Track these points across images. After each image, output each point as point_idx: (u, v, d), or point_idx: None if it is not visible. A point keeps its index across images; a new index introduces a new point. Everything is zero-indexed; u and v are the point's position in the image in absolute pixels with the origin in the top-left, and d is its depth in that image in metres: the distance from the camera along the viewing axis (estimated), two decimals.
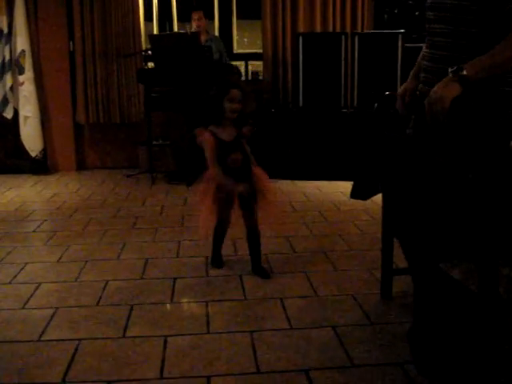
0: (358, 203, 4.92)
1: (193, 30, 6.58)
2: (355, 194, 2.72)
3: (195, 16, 6.61)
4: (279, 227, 4.10)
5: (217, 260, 3.67)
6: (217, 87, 3.35)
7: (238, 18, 7.51)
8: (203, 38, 6.57)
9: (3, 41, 6.72)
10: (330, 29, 6.82)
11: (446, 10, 2.16)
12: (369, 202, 3.19)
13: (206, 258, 3.77)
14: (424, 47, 2.38)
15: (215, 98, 3.31)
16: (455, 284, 2.18)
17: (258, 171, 3.42)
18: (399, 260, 3.18)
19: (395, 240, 2.91)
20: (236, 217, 3.46)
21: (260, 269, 3.50)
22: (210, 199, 3.32)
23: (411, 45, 6.07)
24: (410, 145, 2.28)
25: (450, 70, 2.03)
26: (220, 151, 3.32)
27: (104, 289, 3.27)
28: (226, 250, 3.91)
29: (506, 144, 2.13)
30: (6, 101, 6.79)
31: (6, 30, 6.71)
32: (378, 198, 3.03)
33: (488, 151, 2.13)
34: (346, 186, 5.63)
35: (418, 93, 2.38)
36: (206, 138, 3.33)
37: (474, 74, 2.01)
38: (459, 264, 2.20)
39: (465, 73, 2.00)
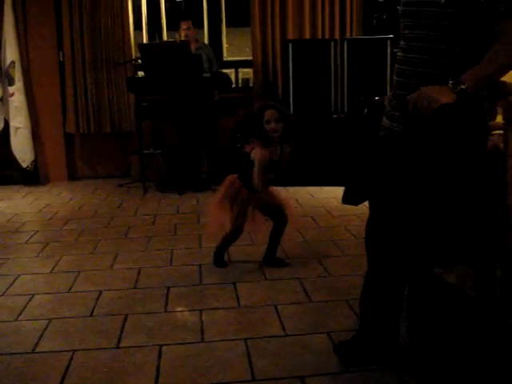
0: (350, 208, 4.91)
1: (182, 38, 6.59)
2: (346, 199, 2.73)
3: (184, 25, 6.62)
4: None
5: (220, 259, 3.78)
6: (255, 113, 3.48)
7: (227, 25, 7.52)
8: (193, 46, 6.57)
9: None
10: (319, 35, 6.84)
11: (424, 17, 2.14)
12: (361, 207, 3.19)
13: (200, 266, 3.77)
14: (399, 51, 2.35)
15: (256, 123, 3.43)
16: (450, 288, 2.18)
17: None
18: None
19: None
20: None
21: (276, 259, 3.77)
22: (228, 203, 3.54)
23: None
24: (398, 144, 2.28)
25: (450, 81, 2.02)
26: (265, 169, 3.49)
27: (97, 299, 3.26)
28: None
29: (481, 146, 2.15)
30: None
31: None
32: None
33: (464, 153, 2.14)
34: (338, 191, 5.61)
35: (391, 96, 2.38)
36: (264, 155, 3.45)
37: (473, 85, 2.02)
38: (454, 268, 2.21)
39: (463, 87, 2.00)
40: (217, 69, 6.73)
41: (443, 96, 2.01)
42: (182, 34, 6.60)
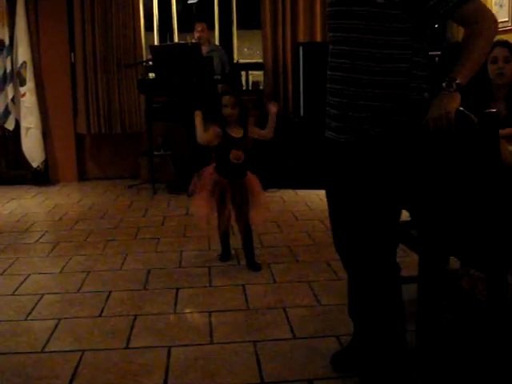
0: None
1: (193, 40, 6.60)
2: None
3: (198, 27, 6.63)
4: (281, 235, 4.13)
5: (224, 254, 3.91)
6: (213, 98, 3.76)
7: (238, 28, 7.53)
8: (205, 48, 6.59)
9: (5, 52, 6.75)
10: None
11: (357, 18, 2.01)
12: None
13: (209, 268, 3.77)
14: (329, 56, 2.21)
15: (214, 107, 3.67)
16: (463, 293, 2.17)
17: (250, 174, 3.78)
18: (403, 269, 3.18)
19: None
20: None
21: (253, 263, 3.77)
22: (206, 191, 3.64)
23: None
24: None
25: (444, 84, 1.97)
26: (226, 145, 3.65)
27: (107, 299, 3.27)
28: (229, 259, 3.93)
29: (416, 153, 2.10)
30: (7, 112, 6.81)
31: (7, 42, 6.74)
32: None
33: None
34: None
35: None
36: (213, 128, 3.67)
37: (464, 77, 1.98)
38: (466, 273, 2.20)
39: (458, 81, 1.96)
40: (229, 71, 6.73)
41: (453, 102, 1.96)
42: (197, 35, 6.62)
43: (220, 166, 3.70)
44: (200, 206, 3.73)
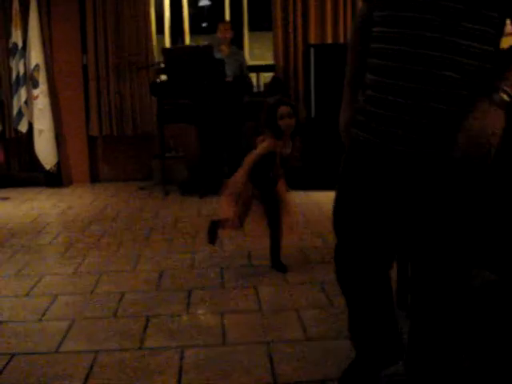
0: None
1: (219, 38, 6.64)
2: None
3: (222, 27, 6.66)
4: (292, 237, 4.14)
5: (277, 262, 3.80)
6: (268, 109, 3.52)
7: (249, 29, 7.55)
8: (226, 49, 6.62)
9: (18, 55, 6.81)
10: (341, 40, 6.84)
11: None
12: None
13: (221, 269, 3.79)
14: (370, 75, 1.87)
15: (269, 119, 3.47)
16: (476, 294, 2.16)
17: (282, 183, 3.69)
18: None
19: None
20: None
21: (279, 264, 3.76)
22: (234, 194, 3.53)
23: None
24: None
25: (497, 95, 1.65)
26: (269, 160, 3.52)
27: (120, 301, 3.28)
28: (241, 260, 3.94)
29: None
30: (20, 114, 6.87)
31: (20, 45, 6.80)
32: None
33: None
34: None
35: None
36: (272, 143, 3.49)
37: None
38: (479, 274, 2.19)
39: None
40: (246, 74, 6.75)
41: (499, 121, 1.65)
42: (220, 34, 6.65)
43: (258, 181, 3.57)
44: (226, 207, 3.62)
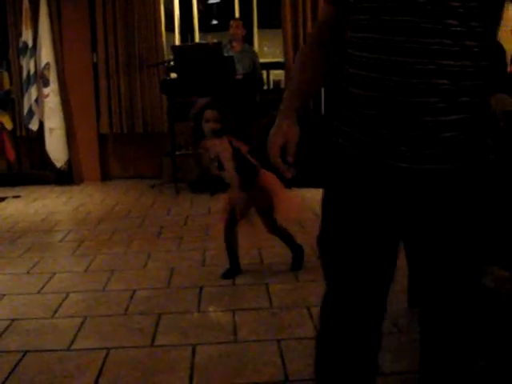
0: None
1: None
2: None
3: (233, 24, 6.65)
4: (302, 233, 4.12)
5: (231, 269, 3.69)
6: (195, 111, 3.55)
7: (258, 27, 7.54)
8: (238, 46, 6.62)
9: (28, 54, 6.83)
10: None
11: None
12: None
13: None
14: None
15: (195, 121, 3.46)
16: (488, 291, 2.15)
17: (266, 176, 3.43)
18: None
19: None
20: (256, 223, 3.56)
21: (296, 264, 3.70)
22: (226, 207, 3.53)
23: None
24: None
25: None
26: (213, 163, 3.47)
27: (131, 298, 3.29)
28: (252, 258, 3.94)
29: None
30: (31, 113, 6.90)
31: (30, 44, 6.83)
32: None
33: None
34: None
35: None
36: (225, 147, 3.38)
37: None
38: (491, 271, 2.18)
39: None
40: (259, 72, 6.74)
41: None
42: (232, 31, 6.65)
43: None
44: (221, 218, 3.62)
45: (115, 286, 3.51)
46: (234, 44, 6.66)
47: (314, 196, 5.87)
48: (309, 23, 6.88)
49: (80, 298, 3.33)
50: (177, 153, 6.63)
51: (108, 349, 2.68)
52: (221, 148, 3.40)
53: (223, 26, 6.78)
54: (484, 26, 1.34)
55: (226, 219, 3.51)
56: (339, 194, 1.66)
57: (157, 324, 2.93)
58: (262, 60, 7.63)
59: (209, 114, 3.40)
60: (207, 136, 3.42)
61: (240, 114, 6.10)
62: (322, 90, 6.34)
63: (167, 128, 6.78)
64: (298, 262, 3.74)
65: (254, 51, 6.95)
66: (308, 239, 4.34)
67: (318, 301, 3.13)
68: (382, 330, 1.71)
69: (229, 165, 3.40)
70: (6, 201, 6.24)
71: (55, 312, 3.13)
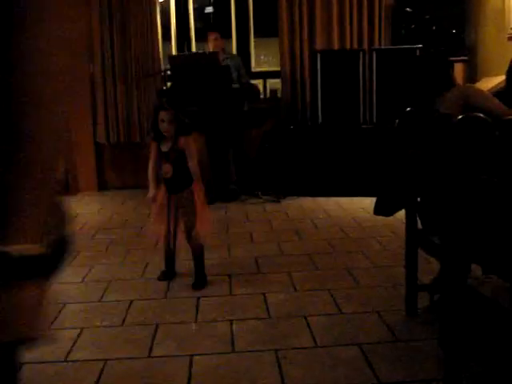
0: (380, 219, 4.91)
1: (210, 50, 6.63)
2: (378, 210, 2.72)
3: (211, 36, 6.64)
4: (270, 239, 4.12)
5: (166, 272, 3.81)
6: (153, 111, 3.69)
7: (255, 36, 7.56)
8: (220, 57, 6.61)
9: None
10: (348, 45, 6.84)
11: None
12: (391, 217, 3.19)
13: (229, 276, 3.79)
14: None
15: (152, 120, 3.64)
16: (485, 300, 2.15)
17: (195, 186, 3.62)
18: (424, 276, 3.17)
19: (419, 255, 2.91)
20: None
21: (197, 282, 3.68)
22: (159, 209, 3.66)
23: None
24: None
25: None
26: (159, 161, 3.64)
27: (128, 308, 3.28)
28: (249, 267, 3.93)
29: None
30: None
31: None
32: (400, 213, 3.03)
33: None
34: (367, 202, 5.63)
35: None
36: (152, 147, 3.68)
37: None
38: (489, 281, 2.18)
39: None
40: (246, 79, 6.70)
41: None
42: (211, 44, 6.64)
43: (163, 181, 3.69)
44: (156, 223, 3.73)
45: (112, 297, 3.50)
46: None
47: (309, 205, 5.89)
48: (305, 32, 6.89)
49: (77, 308, 3.32)
50: None
51: (105, 360, 2.67)
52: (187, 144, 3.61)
53: (221, 34, 6.77)
54: None
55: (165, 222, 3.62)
56: None
57: (154, 334, 2.92)
58: (258, 69, 7.66)
59: (163, 114, 3.54)
60: (166, 136, 3.59)
61: (227, 123, 6.11)
62: (319, 98, 6.34)
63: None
64: (199, 282, 3.69)
65: (235, 57, 6.88)
66: (305, 247, 4.35)
67: (315, 310, 3.16)
68: None
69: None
70: None
71: (52, 323, 3.11)
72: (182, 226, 3.62)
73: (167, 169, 3.59)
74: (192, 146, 3.62)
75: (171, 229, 3.62)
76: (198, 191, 3.63)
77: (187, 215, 3.58)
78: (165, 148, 3.61)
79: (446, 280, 2.30)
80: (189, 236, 3.62)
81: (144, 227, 4.91)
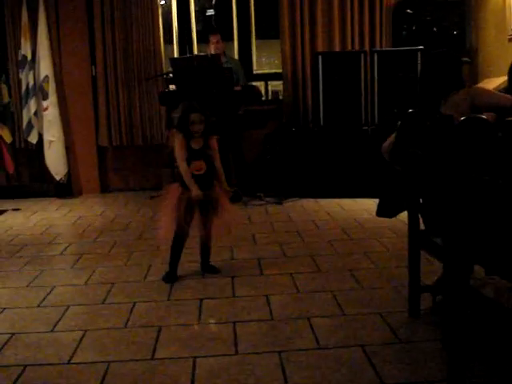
0: (382, 221, 4.90)
1: (212, 52, 6.64)
2: (381, 211, 2.72)
3: (213, 39, 6.66)
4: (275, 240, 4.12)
5: (172, 275, 3.85)
6: (180, 116, 3.79)
7: (256, 38, 7.57)
8: (221, 60, 6.61)
9: (27, 67, 6.85)
10: (349, 47, 6.85)
11: None
12: (393, 219, 3.18)
13: (232, 278, 3.79)
14: None
15: (182, 123, 3.72)
16: (487, 301, 2.15)
17: (218, 187, 3.81)
18: (426, 277, 3.17)
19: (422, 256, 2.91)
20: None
21: (209, 267, 3.95)
22: (172, 207, 3.72)
23: None
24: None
25: None
26: (188, 157, 3.72)
27: (131, 311, 3.29)
28: (252, 269, 3.94)
29: None
30: (30, 126, 6.91)
31: (29, 57, 6.85)
32: (403, 215, 3.03)
33: None
34: (369, 203, 5.63)
35: None
36: (179, 138, 3.72)
37: None
38: (491, 281, 2.18)
39: None
40: (244, 82, 6.72)
41: None
42: (212, 47, 6.66)
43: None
44: (166, 223, 3.81)
45: (115, 299, 3.50)
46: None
47: (312, 207, 5.89)
48: (306, 34, 6.90)
49: (80, 311, 3.33)
50: (176, 164, 6.63)
51: (108, 362, 2.67)
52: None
53: (222, 37, 6.78)
54: None
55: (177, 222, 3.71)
56: None
57: (157, 337, 2.92)
58: (259, 71, 7.67)
59: (194, 116, 3.68)
60: (195, 137, 3.71)
61: (225, 125, 6.10)
62: (321, 100, 6.35)
63: (166, 139, 6.79)
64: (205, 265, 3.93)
65: (235, 61, 6.92)
66: (307, 249, 4.35)
67: (318, 312, 3.16)
68: None
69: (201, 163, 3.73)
70: (5, 214, 6.23)
71: (55, 325, 3.12)
72: (205, 220, 3.75)
73: (201, 165, 3.72)
74: (216, 146, 3.81)
75: (202, 224, 3.74)
76: (225, 193, 3.84)
77: (210, 211, 3.72)
78: (196, 146, 3.72)
79: (449, 281, 2.30)
80: (205, 227, 3.75)
81: (155, 226, 4.89)
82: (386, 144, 2.83)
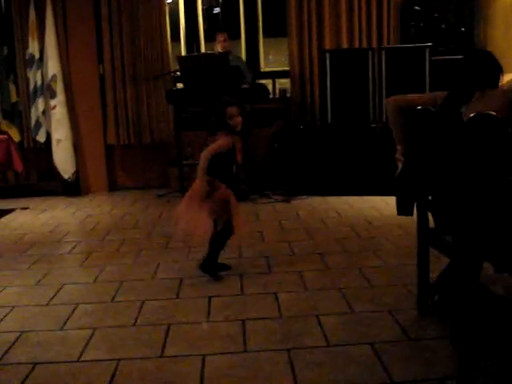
0: (391, 218, 4.91)
1: (220, 51, 6.64)
2: (401, 210, 2.70)
3: (220, 37, 6.67)
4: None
5: (217, 267, 3.81)
6: (215, 111, 3.74)
7: (264, 35, 7.56)
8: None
9: (35, 66, 6.87)
10: (357, 45, 6.83)
11: None
12: (402, 216, 3.17)
13: (240, 276, 3.78)
14: None
15: (219, 119, 3.69)
16: (497, 299, 2.14)
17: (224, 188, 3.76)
18: (435, 275, 3.16)
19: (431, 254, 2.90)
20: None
21: (219, 264, 3.85)
22: (206, 212, 3.70)
23: (438, 58, 6.08)
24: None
25: None
26: (232, 154, 3.73)
27: (140, 309, 3.29)
28: (261, 267, 3.93)
29: None
30: (38, 125, 6.93)
31: (37, 56, 6.87)
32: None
33: None
34: (378, 201, 5.63)
35: None
36: (226, 137, 3.69)
37: None
38: (500, 279, 2.17)
39: None
40: (249, 81, 6.71)
41: None
42: (219, 45, 6.66)
43: (224, 177, 3.75)
44: (204, 221, 3.77)
45: (124, 297, 3.50)
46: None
47: (320, 205, 5.89)
48: (314, 31, 6.90)
49: (89, 309, 3.33)
50: (184, 162, 6.65)
51: (118, 360, 2.67)
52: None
53: (229, 35, 6.78)
54: None
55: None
56: None
57: (166, 334, 2.93)
58: (267, 69, 7.66)
59: (232, 110, 3.68)
60: (236, 130, 3.72)
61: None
62: (329, 98, 6.33)
63: (174, 138, 6.80)
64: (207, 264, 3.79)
65: (239, 58, 6.93)
66: (316, 247, 4.35)
67: (327, 309, 3.15)
68: None
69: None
70: (14, 212, 6.25)
71: (64, 324, 3.12)
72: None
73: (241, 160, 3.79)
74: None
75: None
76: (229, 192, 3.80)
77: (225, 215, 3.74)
78: (236, 144, 3.74)
79: (459, 278, 2.30)
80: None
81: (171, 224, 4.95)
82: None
